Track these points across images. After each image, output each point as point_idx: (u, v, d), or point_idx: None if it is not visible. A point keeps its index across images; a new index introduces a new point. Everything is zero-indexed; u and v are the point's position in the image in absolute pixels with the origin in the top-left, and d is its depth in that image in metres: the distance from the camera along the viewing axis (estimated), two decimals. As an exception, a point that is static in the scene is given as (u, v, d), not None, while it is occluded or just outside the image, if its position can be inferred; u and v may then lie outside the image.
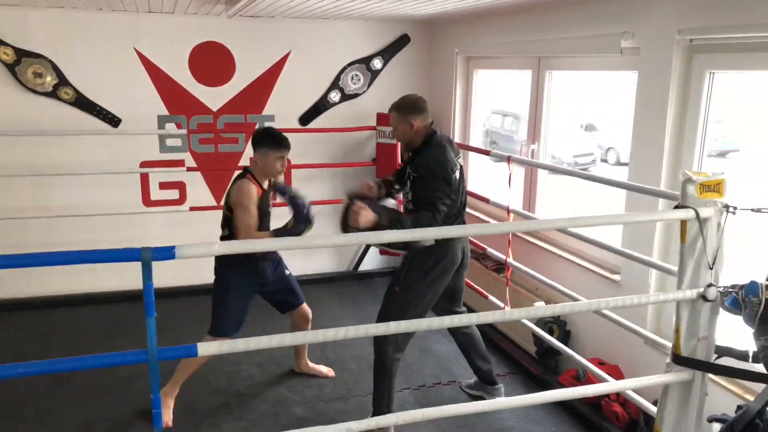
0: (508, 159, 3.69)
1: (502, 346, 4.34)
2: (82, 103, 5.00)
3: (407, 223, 3.02)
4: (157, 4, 4.52)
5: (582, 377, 3.56)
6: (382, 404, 3.31)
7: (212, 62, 5.26)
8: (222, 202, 3.49)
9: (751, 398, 2.69)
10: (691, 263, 2.19)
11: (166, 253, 1.64)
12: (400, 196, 3.51)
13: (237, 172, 3.50)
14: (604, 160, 11.21)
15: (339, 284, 5.72)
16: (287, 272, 3.71)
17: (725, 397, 2.79)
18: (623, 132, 10.43)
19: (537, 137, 4.32)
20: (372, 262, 6.01)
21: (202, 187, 5.45)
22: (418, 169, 3.16)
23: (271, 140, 3.37)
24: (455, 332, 3.68)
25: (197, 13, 5.00)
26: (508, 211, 3.74)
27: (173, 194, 5.38)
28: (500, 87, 5.84)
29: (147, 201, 5.31)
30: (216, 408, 3.62)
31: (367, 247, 5.86)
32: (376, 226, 3.01)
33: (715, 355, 2.35)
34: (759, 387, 2.64)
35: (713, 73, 2.97)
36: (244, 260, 3.37)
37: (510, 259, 3.80)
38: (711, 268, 2.18)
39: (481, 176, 5.52)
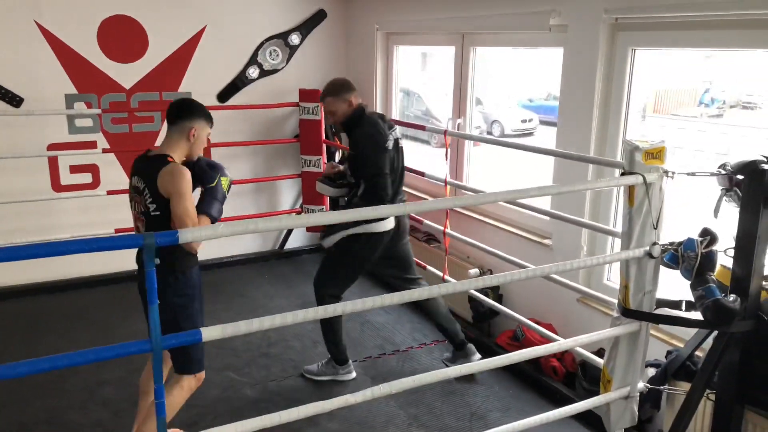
0: (445, 133, 3.81)
1: (437, 313, 4.52)
2: (-23, 81, 4.59)
3: (360, 204, 3.25)
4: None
5: (521, 337, 3.80)
6: (330, 341, 3.68)
7: (123, 37, 4.98)
8: (149, 201, 2.63)
9: (677, 344, 3.03)
10: (638, 224, 2.41)
11: (170, 238, 1.61)
12: None
13: (142, 159, 2.75)
14: (490, 133, 11.73)
15: (266, 263, 5.68)
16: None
17: (654, 344, 3.10)
18: (507, 105, 10.91)
19: (463, 112, 4.48)
20: (298, 239, 6.01)
21: (116, 169, 5.17)
22: (355, 146, 3.37)
23: (205, 113, 2.81)
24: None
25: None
26: (446, 183, 3.88)
27: (86, 178, 5.09)
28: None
29: (57, 186, 4.99)
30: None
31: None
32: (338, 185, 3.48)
33: (654, 307, 2.61)
34: (684, 333, 2.98)
35: (635, 50, 3.24)
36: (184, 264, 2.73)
37: (448, 230, 3.96)
38: (655, 228, 2.42)
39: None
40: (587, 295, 3.30)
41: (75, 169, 5.02)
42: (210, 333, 1.71)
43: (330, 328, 3.66)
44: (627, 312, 2.51)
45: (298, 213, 5.75)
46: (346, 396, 1.96)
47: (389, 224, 3.48)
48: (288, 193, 5.96)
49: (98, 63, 4.94)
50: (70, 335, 4.24)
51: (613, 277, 3.53)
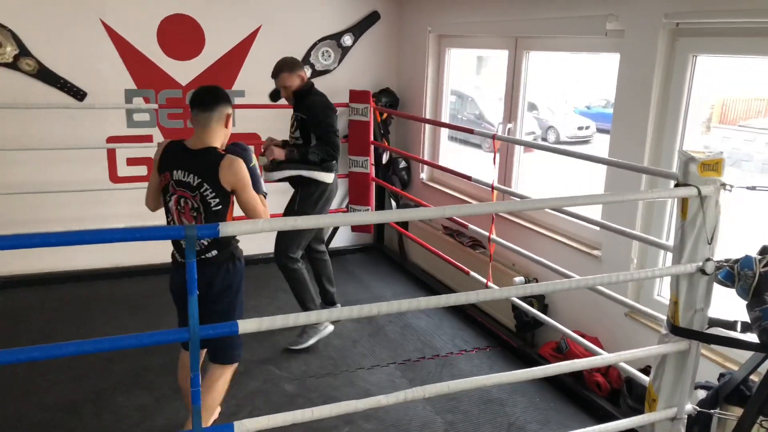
0: (494, 137, 3.76)
1: (479, 320, 4.46)
2: (45, 75, 4.78)
3: (315, 150, 3.76)
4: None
5: (564, 349, 3.70)
6: (308, 301, 3.99)
7: (181, 35, 5.11)
8: (211, 197, 2.63)
9: (731, 367, 2.89)
10: (691, 238, 2.31)
11: (210, 231, 1.63)
12: None
13: (183, 152, 2.70)
14: (545, 139, 11.51)
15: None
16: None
17: (706, 366, 2.98)
18: (563, 112, 10.64)
19: (514, 116, 4.41)
20: (343, 239, 6.03)
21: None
22: (308, 111, 3.84)
23: (229, 98, 2.80)
24: (312, 257, 4.19)
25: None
26: (493, 188, 3.83)
27: (141, 170, 5.24)
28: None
29: (114, 177, 5.16)
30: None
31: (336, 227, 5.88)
32: (292, 160, 3.77)
33: (706, 326, 2.50)
34: (739, 356, 2.85)
35: (696, 57, 3.11)
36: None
37: (493, 236, 3.90)
38: (710, 243, 2.32)
39: (447, 156, 5.62)
40: (635, 310, 3.19)
41: (131, 161, 5.18)
42: (246, 325, 1.72)
43: (300, 287, 3.97)
44: (676, 329, 2.41)
45: (344, 212, 5.77)
46: (379, 397, 1.95)
47: (331, 179, 3.94)
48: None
49: (157, 60, 5.08)
50: (120, 321, 4.37)
51: (663, 293, 3.41)
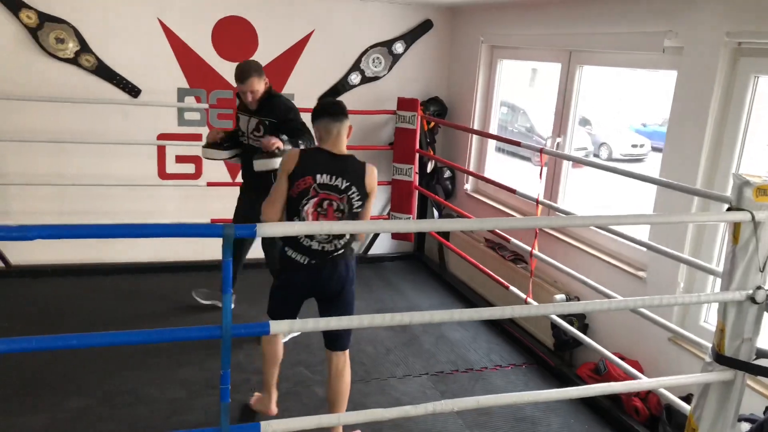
0: (540, 151, 3.70)
1: (516, 336, 4.38)
2: (103, 71, 4.94)
3: (304, 139, 3.63)
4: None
5: (603, 371, 3.60)
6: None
7: (235, 37, 5.20)
8: (356, 198, 2.81)
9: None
10: (741, 265, 2.22)
11: (248, 231, 1.64)
12: None
13: (329, 158, 2.81)
14: (597, 155, 11.26)
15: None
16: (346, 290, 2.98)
17: (751, 398, 2.85)
18: (617, 128, 10.38)
19: (564, 130, 4.33)
20: (383, 246, 6.02)
21: (218, 162, 5.39)
22: (276, 113, 3.78)
23: None
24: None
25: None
26: (538, 202, 3.76)
27: (189, 168, 5.35)
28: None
29: (162, 174, 5.28)
30: (237, 384, 3.62)
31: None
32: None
33: (754, 356, 2.39)
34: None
35: (758, 77, 3.00)
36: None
37: (536, 251, 3.83)
38: (762, 271, 2.22)
39: (493, 168, 5.56)
40: (680, 335, 3.07)
41: (180, 159, 5.29)
42: (278, 327, 1.72)
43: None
44: (721, 358, 2.31)
45: (385, 219, 5.77)
46: (407, 407, 1.92)
47: None
48: (376, 200, 5.99)
49: (210, 60, 5.19)
50: (165, 313, 4.47)
51: (710, 319, 3.28)
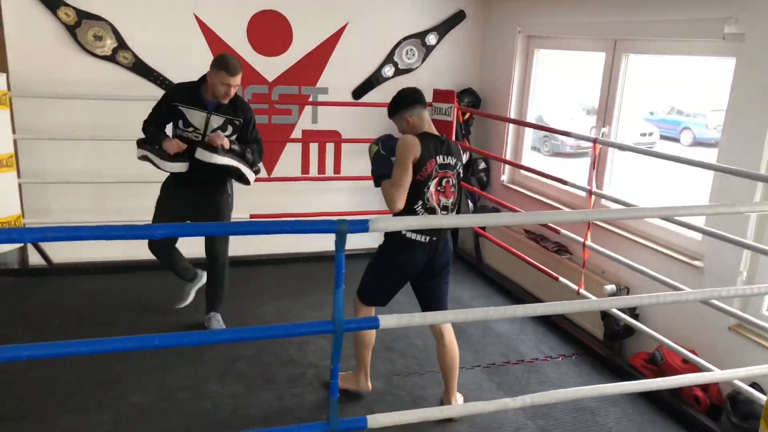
0: (594, 141, 3.68)
1: (564, 326, 4.38)
2: (140, 68, 4.93)
3: (254, 150, 3.78)
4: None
5: (659, 360, 3.59)
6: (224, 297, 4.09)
7: (270, 31, 5.18)
8: (461, 172, 3.15)
9: None
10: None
11: (361, 226, 1.63)
12: None
13: (437, 140, 3.05)
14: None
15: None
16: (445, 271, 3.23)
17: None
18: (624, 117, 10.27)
19: (609, 120, 4.31)
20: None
21: (254, 157, 5.40)
22: (242, 113, 3.75)
23: None
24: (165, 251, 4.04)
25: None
26: (591, 193, 3.74)
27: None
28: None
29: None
30: (294, 378, 3.63)
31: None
32: (234, 152, 3.65)
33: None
34: None
35: (822, 63, 2.97)
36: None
37: (588, 242, 3.81)
38: None
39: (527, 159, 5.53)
40: (743, 323, 3.06)
41: (217, 154, 5.27)
42: (387, 321, 1.72)
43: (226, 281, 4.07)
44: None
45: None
46: (476, 403, 1.94)
47: (252, 180, 3.81)
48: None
49: (246, 55, 5.16)
50: (258, 309, 4.55)
51: (774, 307, 3.28)
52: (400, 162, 2.92)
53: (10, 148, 4.48)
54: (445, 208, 3.04)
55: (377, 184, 3.05)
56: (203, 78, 3.70)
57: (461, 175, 3.14)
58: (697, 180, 4.07)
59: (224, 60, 3.55)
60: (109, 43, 4.79)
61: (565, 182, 4.03)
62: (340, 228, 1.60)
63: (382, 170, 3.03)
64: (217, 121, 3.68)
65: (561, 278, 4.10)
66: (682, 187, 5.63)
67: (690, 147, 9.64)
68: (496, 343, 4.23)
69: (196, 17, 4.97)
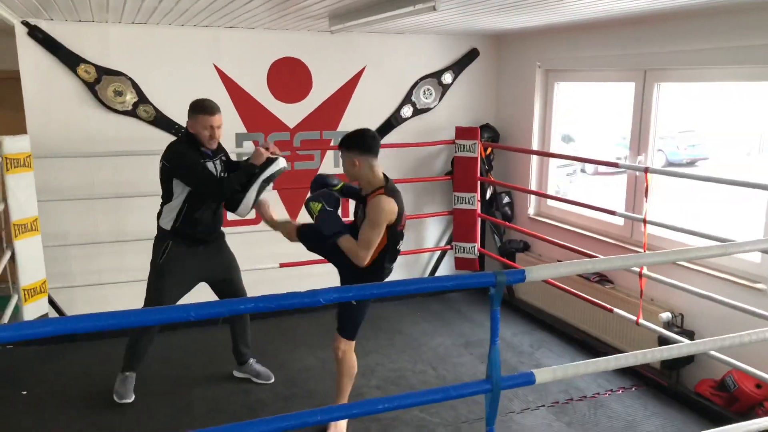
0: (646, 171, 3.68)
1: (615, 358, 4.31)
2: (161, 121, 4.84)
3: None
4: (240, 18, 4.37)
5: (732, 387, 3.54)
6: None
7: (290, 78, 5.16)
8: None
9: None
10: None
11: (518, 276, 1.56)
12: None
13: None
14: (583, 171, 11.30)
15: (413, 299, 5.53)
16: None
17: None
18: (598, 143, 10.42)
19: (644, 149, 4.33)
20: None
21: (278, 205, 5.30)
22: (223, 149, 3.82)
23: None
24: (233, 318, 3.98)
25: (290, 29, 4.91)
26: (645, 222, 3.72)
27: (250, 213, 5.21)
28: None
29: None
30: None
31: (440, 258, 5.81)
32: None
33: None
34: None
35: None
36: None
37: (645, 271, 3.78)
38: None
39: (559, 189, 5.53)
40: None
41: (242, 205, 5.16)
42: (543, 376, 1.64)
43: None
44: None
45: (447, 250, 5.71)
46: None
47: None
48: (433, 230, 5.93)
49: (266, 103, 5.12)
50: (301, 362, 4.42)
51: None
52: (378, 225, 2.93)
53: (35, 210, 4.32)
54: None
55: (331, 242, 3.01)
56: (187, 133, 3.62)
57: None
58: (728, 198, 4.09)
59: (200, 104, 3.55)
60: (129, 98, 4.71)
61: (613, 213, 4.01)
62: (498, 280, 1.53)
63: (337, 227, 3.00)
64: (218, 164, 3.68)
65: (616, 309, 4.04)
66: (712, 209, 5.74)
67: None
68: (555, 381, 4.13)
69: (216, 67, 4.93)
